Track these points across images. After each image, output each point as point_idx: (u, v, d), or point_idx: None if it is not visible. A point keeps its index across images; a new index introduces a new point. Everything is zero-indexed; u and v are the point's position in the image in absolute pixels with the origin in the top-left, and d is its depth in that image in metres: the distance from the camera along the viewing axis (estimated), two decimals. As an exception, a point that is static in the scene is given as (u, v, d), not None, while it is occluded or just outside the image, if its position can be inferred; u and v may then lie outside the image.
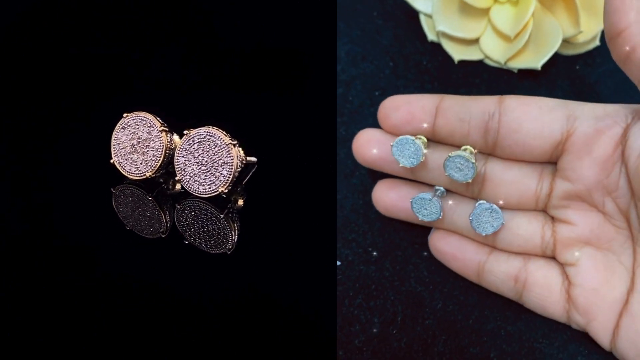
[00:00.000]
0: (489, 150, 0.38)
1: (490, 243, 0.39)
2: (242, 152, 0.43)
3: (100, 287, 0.39)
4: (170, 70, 0.51)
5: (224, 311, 0.39)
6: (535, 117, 0.36)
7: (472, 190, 0.39)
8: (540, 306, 0.38)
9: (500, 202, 0.38)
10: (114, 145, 0.44)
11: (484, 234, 0.38)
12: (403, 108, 0.39)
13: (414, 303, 0.40)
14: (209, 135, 0.42)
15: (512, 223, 0.38)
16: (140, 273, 0.41)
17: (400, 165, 0.39)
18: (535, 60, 0.44)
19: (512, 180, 0.38)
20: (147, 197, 0.44)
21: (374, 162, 0.40)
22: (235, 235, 0.42)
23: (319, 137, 0.46)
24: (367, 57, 0.47)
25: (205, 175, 0.43)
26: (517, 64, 0.45)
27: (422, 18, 0.48)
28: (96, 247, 0.42)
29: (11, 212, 0.43)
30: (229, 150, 0.42)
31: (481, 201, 0.38)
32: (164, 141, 0.44)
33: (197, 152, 0.43)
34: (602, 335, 0.37)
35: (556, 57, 0.45)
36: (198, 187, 0.43)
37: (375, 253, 0.42)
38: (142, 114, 0.44)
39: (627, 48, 0.33)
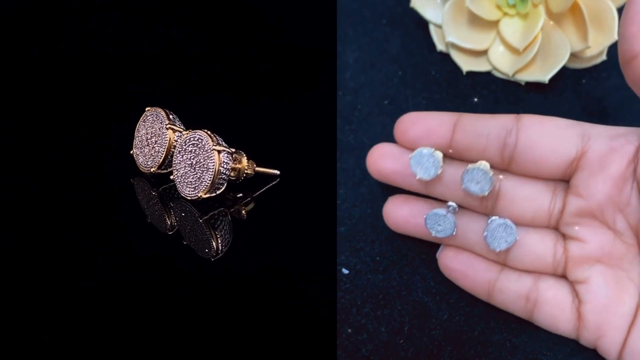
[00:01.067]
0: (504, 166, 0.39)
1: (501, 261, 0.40)
2: (228, 158, 0.43)
3: (97, 290, 0.40)
4: (177, 71, 0.51)
5: (221, 318, 0.39)
6: (551, 134, 0.37)
7: (485, 206, 0.40)
8: (551, 325, 0.39)
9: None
10: (135, 137, 0.45)
11: (497, 250, 0.38)
12: (421, 122, 0.40)
13: (421, 313, 0.41)
14: (200, 138, 0.43)
15: (525, 240, 0.39)
16: (140, 272, 0.41)
17: (417, 177, 0.39)
18: (542, 73, 0.45)
19: (526, 196, 0.39)
20: (152, 191, 0.45)
21: (388, 176, 0.41)
22: (217, 242, 0.42)
23: (320, 144, 0.47)
24: (375, 65, 0.48)
25: (193, 178, 0.43)
26: (525, 76, 0.46)
27: (432, 28, 0.48)
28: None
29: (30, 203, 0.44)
30: (212, 155, 0.42)
31: (494, 217, 0.38)
32: (168, 138, 0.44)
33: (191, 154, 0.43)
34: (611, 351, 0.37)
35: (563, 70, 0.45)
36: (185, 189, 0.43)
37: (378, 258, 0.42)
38: (159, 110, 0.44)
39: None
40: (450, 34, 0.46)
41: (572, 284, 0.38)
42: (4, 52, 0.52)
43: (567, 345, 0.39)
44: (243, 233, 0.43)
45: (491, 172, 0.38)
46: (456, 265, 0.40)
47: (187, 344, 0.37)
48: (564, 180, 0.38)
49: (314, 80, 0.51)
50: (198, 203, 0.43)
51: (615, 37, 0.44)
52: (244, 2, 0.54)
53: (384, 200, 0.42)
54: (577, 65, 0.47)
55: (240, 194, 0.45)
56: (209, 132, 0.43)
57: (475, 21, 0.46)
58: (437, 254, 0.41)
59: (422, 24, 0.48)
